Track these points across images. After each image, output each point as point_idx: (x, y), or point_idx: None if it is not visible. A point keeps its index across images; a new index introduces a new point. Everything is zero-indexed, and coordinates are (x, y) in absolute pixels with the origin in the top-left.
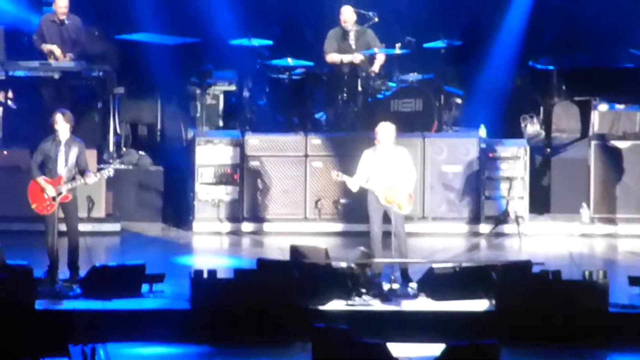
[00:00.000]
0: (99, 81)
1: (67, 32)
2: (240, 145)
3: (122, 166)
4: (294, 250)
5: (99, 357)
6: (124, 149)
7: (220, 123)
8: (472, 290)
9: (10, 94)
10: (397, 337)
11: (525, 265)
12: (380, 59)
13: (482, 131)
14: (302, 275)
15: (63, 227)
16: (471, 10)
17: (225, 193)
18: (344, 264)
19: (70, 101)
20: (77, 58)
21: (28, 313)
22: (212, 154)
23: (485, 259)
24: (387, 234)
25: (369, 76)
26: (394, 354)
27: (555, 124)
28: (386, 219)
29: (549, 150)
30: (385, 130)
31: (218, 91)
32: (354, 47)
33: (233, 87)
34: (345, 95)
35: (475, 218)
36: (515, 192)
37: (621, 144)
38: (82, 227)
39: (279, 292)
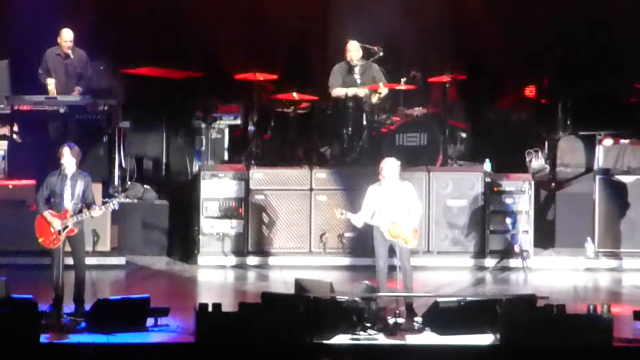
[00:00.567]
0: (104, 115)
1: (72, 65)
2: (245, 179)
3: (127, 200)
4: (299, 284)
5: None
6: (129, 182)
7: (226, 157)
8: (477, 324)
9: (15, 128)
10: None
11: (530, 299)
12: (383, 92)
13: (487, 165)
14: (307, 309)
15: (68, 261)
16: (476, 45)
17: (230, 227)
18: (348, 298)
19: (75, 135)
20: (83, 92)
21: (33, 347)
22: (217, 188)
23: (490, 293)
24: (392, 268)
25: (374, 110)
26: None
27: (560, 158)
28: (392, 252)
29: (553, 184)
30: (390, 165)
31: (223, 125)
32: (359, 81)
33: (238, 121)
34: (350, 129)
35: (480, 252)
36: (520, 227)
37: (626, 179)
38: (88, 260)
39: (284, 326)
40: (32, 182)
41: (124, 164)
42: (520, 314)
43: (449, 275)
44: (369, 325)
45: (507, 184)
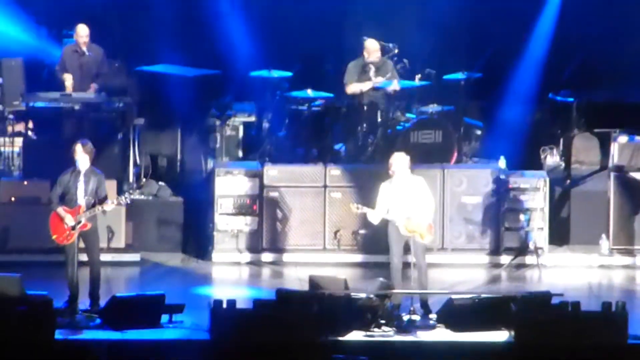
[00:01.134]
0: (119, 113)
1: (88, 62)
2: (259, 176)
3: (142, 197)
4: (313, 280)
5: None
6: (144, 180)
7: (240, 154)
8: (492, 321)
9: (30, 125)
10: None
11: (545, 297)
12: (394, 86)
13: (502, 162)
14: (321, 306)
15: (83, 258)
16: (491, 43)
17: (245, 224)
18: (363, 295)
19: (90, 133)
20: (99, 89)
21: (48, 343)
22: (231, 185)
23: (504, 290)
24: (407, 265)
25: (389, 108)
26: None
27: (574, 155)
28: (406, 249)
29: (568, 181)
30: (398, 160)
31: (238, 122)
32: (374, 78)
33: (253, 119)
34: (364, 127)
35: (495, 249)
36: (534, 224)
37: None
38: (102, 257)
39: (298, 323)
40: (46, 180)
41: (138, 162)
42: (535, 311)
43: (464, 272)
44: (383, 322)
45: (522, 181)
